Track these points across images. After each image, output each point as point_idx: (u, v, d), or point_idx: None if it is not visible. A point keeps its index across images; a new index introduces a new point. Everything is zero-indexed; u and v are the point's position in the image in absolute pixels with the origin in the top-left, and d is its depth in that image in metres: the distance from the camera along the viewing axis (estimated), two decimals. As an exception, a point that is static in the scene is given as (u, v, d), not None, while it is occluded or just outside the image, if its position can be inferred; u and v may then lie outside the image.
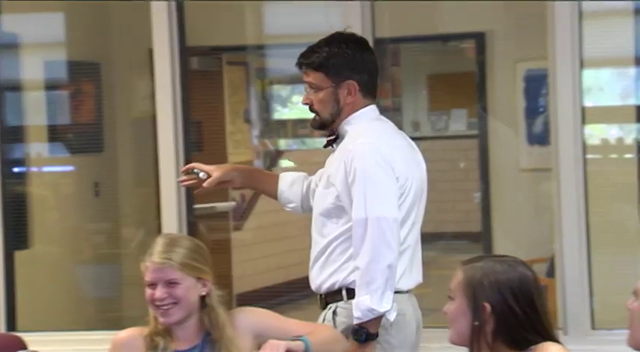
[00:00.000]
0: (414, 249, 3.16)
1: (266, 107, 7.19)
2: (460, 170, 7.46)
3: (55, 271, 5.29)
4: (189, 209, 4.31)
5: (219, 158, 6.16)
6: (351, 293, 3.05)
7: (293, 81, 7.04)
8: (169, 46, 4.19)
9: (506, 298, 2.34)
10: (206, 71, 6.38)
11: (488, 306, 2.35)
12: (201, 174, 3.29)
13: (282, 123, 7.59)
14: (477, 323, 2.36)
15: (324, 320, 3.13)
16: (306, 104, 3.21)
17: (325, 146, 3.26)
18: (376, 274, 2.97)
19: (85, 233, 5.56)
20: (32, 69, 5.16)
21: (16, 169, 4.90)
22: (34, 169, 5.24)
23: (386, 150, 3.06)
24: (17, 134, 4.95)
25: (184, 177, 3.35)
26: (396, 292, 3.04)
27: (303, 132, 7.41)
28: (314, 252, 3.18)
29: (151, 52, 4.33)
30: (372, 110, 3.20)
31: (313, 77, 3.17)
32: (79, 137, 5.30)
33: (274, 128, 7.37)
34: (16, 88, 4.96)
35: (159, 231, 4.30)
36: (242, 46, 6.39)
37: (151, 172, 4.58)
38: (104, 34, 5.41)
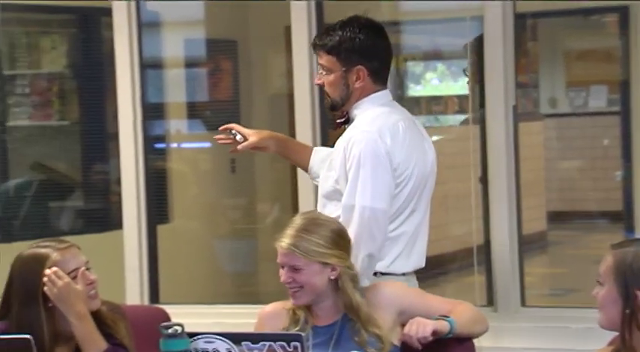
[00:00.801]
0: (413, 235, 3.20)
1: (400, 84, 7.15)
2: (599, 147, 7.28)
3: (194, 245, 5.39)
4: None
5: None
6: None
7: (427, 58, 6.99)
8: (307, 23, 4.21)
9: None
10: (341, 48, 6.38)
11: None
12: (238, 137, 3.35)
13: (416, 100, 7.55)
14: (628, 310, 2.30)
15: None
16: (319, 85, 3.29)
17: (335, 128, 3.32)
18: (355, 261, 2.97)
19: (221, 208, 5.66)
20: (173, 47, 5.25)
21: (157, 145, 5.01)
22: (173, 145, 5.34)
23: (386, 139, 3.11)
24: (158, 111, 5.06)
25: (221, 136, 3.39)
26: (389, 274, 3.13)
27: (437, 109, 7.36)
28: None
29: (287, 29, 4.35)
30: (382, 96, 3.26)
31: (325, 60, 3.24)
32: (216, 114, 5.38)
33: (408, 105, 7.34)
34: (157, 65, 5.06)
35: (294, 206, 4.33)
36: (377, 23, 6.36)
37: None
38: (242, 12, 5.47)
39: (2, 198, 5.05)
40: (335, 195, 3.19)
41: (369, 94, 3.24)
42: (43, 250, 2.87)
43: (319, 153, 3.45)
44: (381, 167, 3.10)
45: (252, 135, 3.37)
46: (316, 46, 3.27)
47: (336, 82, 3.24)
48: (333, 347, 2.84)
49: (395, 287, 2.90)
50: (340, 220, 3.05)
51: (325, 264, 2.80)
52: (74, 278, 2.83)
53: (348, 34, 3.22)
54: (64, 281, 2.80)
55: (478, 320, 2.87)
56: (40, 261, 2.84)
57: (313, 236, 2.80)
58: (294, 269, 2.81)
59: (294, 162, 3.53)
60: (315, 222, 2.86)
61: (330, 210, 3.18)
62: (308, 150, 3.48)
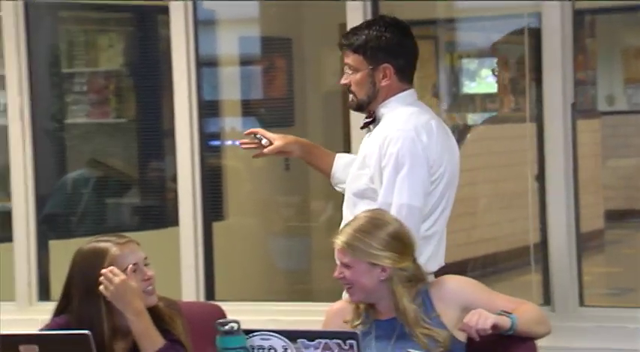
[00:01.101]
0: (442, 234, 3.24)
1: (455, 81, 7.11)
2: (657, 146, 7.17)
3: (249, 243, 5.41)
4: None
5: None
6: None
7: (482, 54, 6.94)
8: (362, 21, 4.20)
9: None
10: (395, 45, 6.37)
11: None
12: (264, 141, 3.38)
13: (471, 97, 7.49)
14: None
15: None
16: (345, 84, 3.29)
17: (362, 127, 3.34)
18: None
19: (275, 206, 5.67)
20: (228, 45, 5.28)
21: (212, 143, 5.04)
22: (228, 143, 5.36)
23: (422, 137, 3.16)
24: (213, 108, 5.08)
25: (246, 141, 3.42)
26: None
27: (492, 106, 7.30)
28: None
29: (341, 27, 4.34)
30: (409, 95, 3.29)
31: (352, 59, 3.27)
32: (271, 111, 5.39)
33: (463, 102, 7.29)
34: (212, 63, 5.09)
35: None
36: (432, 20, 6.33)
37: (341, 147, 4.61)
38: (296, 10, 5.48)
39: (60, 194, 5.10)
40: (368, 193, 3.22)
41: (396, 93, 3.28)
42: (102, 244, 2.89)
43: (342, 159, 3.48)
44: (418, 165, 3.14)
45: (278, 140, 3.42)
46: (343, 46, 3.30)
47: (363, 80, 3.27)
48: (395, 340, 2.86)
49: (460, 282, 2.91)
50: None
51: (374, 265, 2.82)
52: (133, 272, 2.86)
53: (375, 32, 3.27)
54: (119, 279, 2.82)
55: (541, 322, 2.87)
56: (100, 256, 2.87)
57: (367, 236, 2.83)
58: (346, 265, 2.84)
59: (317, 167, 3.54)
60: (373, 223, 2.87)
61: (362, 208, 3.18)
62: (331, 157, 3.50)
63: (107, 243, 2.89)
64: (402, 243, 2.86)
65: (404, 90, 3.28)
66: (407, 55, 3.29)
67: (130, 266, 2.86)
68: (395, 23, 3.31)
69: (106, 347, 2.81)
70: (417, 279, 2.87)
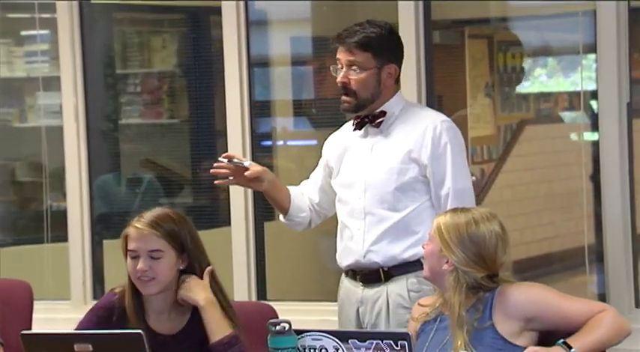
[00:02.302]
0: None
1: (508, 80, 7.06)
2: None
3: (300, 242, 5.42)
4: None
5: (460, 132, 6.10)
6: None
7: (535, 54, 6.88)
8: (415, 21, 4.18)
9: None
10: (448, 45, 6.34)
11: None
12: (247, 163, 3.37)
13: (524, 96, 7.43)
14: None
15: (387, 301, 3.30)
16: (343, 83, 3.29)
17: (357, 128, 3.36)
18: None
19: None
20: (279, 45, 5.28)
21: (264, 143, 5.05)
22: (280, 143, 5.37)
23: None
24: (265, 108, 5.09)
25: (221, 165, 3.36)
26: None
27: (546, 105, 7.24)
28: (380, 227, 3.30)
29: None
30: (402, 95, 3.41)
31: (360, 56, 3.28)
32: (322, 111, 5.39)
33: (516, 102, 7.24)
34: (264, 63, 5.10)
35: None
36: (485, 19, 6.29)
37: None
38: (348, 10, 5.46)
39: (114, 194, 5.15)
40: (417, 185, 3.29)
41: (394, 93, 3.37)
42: (133, 220, 2.99)
43: (296, 189, 3.56)
44: (464, 152, 3.36)
45: (254, 166, 3.43)
46: (349, 43, 3.29)
47: (369, 79, 3.30)
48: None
49: (526, 294, 2.85)
50: (450, 205, 3.22)
51: (442, 253, 2.85)
52: (132, 259, 2.91)
53: (383, 31, 3.33)
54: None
55: (616, 333, 2.79)
56: (126, 231, 2.99)
57: (454, 228, 2.86)
58: (430, 239, 2.92)
59: (276, 200, 3.52)
60: (468, 220, 2.87)
61: (407, 202, 3.29)
62: (287, 190, 3.55)
63: (133, 220, 2.96)
64: (477, 249, 2.84)
65: (397, 90, 3.39)
66: (402, 58, 3.40)
67: (130, 250, 2.91)
68: (391, 26, 3.39)
69: (142, 315, 2.91)
70: (482, 288, 2.85)
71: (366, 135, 3.40)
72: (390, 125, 3.37)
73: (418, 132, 3.32)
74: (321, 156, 3.60)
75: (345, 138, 3.46)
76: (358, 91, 3.31)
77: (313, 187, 3.55)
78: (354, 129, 3.40)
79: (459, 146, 3.32)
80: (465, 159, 3.34)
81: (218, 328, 2.87)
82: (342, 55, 3.32)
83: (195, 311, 2.94)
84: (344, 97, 3.33)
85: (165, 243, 2.91)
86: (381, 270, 3.34)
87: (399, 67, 3.37)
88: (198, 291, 2.90)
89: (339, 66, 3.34)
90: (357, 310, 3.39)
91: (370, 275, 3.35)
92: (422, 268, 3.27)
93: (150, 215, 2.95)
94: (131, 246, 2.91)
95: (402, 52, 3.39)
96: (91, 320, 2.96)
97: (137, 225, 2.92)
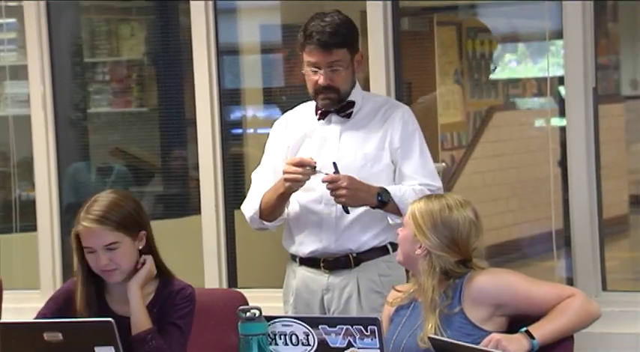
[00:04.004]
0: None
1: (477, 67, 7.08)
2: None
3: (270, 231, 5.42)
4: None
5: (429, 119, 6.12)
6: (396, 247, 3.20)
7: (504, 40, 6.90)
8: (383, 8, 4.19)
9: None
10: (416, 32, 6.35)
11: None
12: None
13: (493, 83, 7.46)
14: None
15: (357, 287, 3.33)
16: (328, 84, 3.29)
17: (321, 118, 3.37)
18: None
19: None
20: (249, 33, 5.27)
21: (233, 131, 5.04)
22: (250, 131, 5.37)
23: None
24: (235, 96, 5.08)
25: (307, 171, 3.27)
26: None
27: (515, 92, 7.27)
28: (354, 213, 3.30)
29: (363, 15, 4.33)
30: None
31: (339, 55, 3.30)
32: (292, 99, 5.38)
33: (485, 88, 7.26)
34: (233, 51, 5.09)
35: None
36: (453, 6, 6.31)
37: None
38: (317, -4, 5.47)
39: (83, 183, 5.13)
40: (388, 171, 3.35)
41: (356, 82, 3.41)
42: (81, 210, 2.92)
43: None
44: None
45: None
46: (330, 45, 3.28)
47: (349, 73, 3.35)
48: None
49: (493, 281, 2.87)
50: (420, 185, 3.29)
51: (416, 238, 2.88)
52: (90, 253, 2.88)
53: (347, 22, 3.35)
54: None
55: (582, 319, 2.80)
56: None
57: (429, 214, 2.88)
58: (405, 224, 2.96)
59: (284, 204, 3.43)
60: (442, 206, 2.89)
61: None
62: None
63: (78, 222, 2.88)
64: (450, 234, 2.87)
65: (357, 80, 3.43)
66: None
67: (86, 247, 2.87)
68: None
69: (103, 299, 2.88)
70: (453, 273, 2.88)
71: (329, 122, 3.40)
72: (356, 113, 3.39)
73: (386, 119, 3.37)
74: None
75: (303, 123, 3.44)
76: (341, 88, 3.33)
77: (274, 175, 3.47)
78: (319, 119, 3.41)
79: (421, 132, 3.42)
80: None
81: (136, 321, 2.84)
82: (318, 57, 3.28)
83: (159, 291, 2.92)
84: (325, 95, 3.31)
85: (118, 234, 2.85)
86: (350, 256, 3.35)
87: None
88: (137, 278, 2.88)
89: (314, 69, 3.30)
90: (322, 298, 3.40)
91: (338, 261, 3.36)
92: (389, 253, 3.30)
93: (96, 209, 2.86)
94: (85, 243, 2.86)
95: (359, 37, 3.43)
96: (49, 308, 2.94)
97: (85, 223, 2.85)
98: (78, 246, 2.89)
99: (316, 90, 3.33)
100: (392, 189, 3.29)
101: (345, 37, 3.32)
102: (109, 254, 2.85)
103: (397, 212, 3.28)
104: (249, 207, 3.46)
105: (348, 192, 3.19)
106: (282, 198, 3.34)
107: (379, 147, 3.35)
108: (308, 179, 3.24)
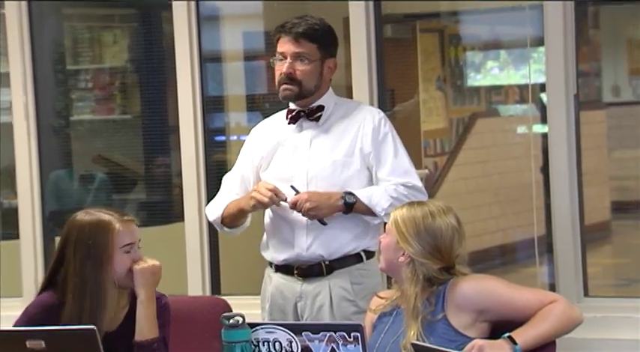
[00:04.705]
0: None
1: (459, 74, 7.11)
2: (662, 137, 7.15)
3: (253, 237, 5.41)
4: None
5: (412, 126, 6.15)
6: (369, 255, 3.31)
7: (486, 47, 6.94)
8: (366, 15, 4.20)
9: None
10: (399, 39, 6.38)
11: None
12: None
13: (476, 89, 7.50)
14: None
15: (329, 295, 3.32)
16: (288, 73, 3.31)
17: (292, 122, 3.38)
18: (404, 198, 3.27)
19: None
20: (232, 40, 5.28)
21: (217, 138, 5.04)
22: (233, 138, 5.37)
23: None
24: (218, 103, 5.09)
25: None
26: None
27: (497, 99, 7.31)
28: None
29: (345, 22, 4.35)
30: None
31: (308, 47, 3.32)
32: (275, 106, 5.39)
33: (468, 95, 7.30)
34: (216, 58, 5.10)
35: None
36: (436, 13, 6.34)
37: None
38: (300, 4, 5.48)
39: (66, 191, 5.12)
40: (358, 178, 3.34)
41: (328, 87, 3.41)
42: (105, 217, 2.91)
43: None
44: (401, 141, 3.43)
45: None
46: (297, 34, 3.32)
47: (314, 70, 3.35)
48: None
49: (476, 287, 2.87)
50: (396, 186, 3.28)
51: (399, 245, 2.88)
52: (126, 253, 2.87)
53: (325, 26, 3.38)
54: (154, 263, 2.88)
55: (564, 324, 2.81)
56: (105, 228, 2.89)
57: (411, 219, 2.88)
58: (387, 232, 2.94)
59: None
60: (425, 213, 2.89)
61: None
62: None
63: (109, 217, 2.91)
64: (433, 241, 2.87)
65: (329, 86, 3.43)
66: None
67: (125, 245, 2.88)
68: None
69: (99, 317, 2.84)
70: (437, 280, 2.88)
71: (300, 129, 3.41)
72: (327, 119, 3.40)
73: (357, 124, 3.37)
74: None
75: (276, 131, 3.45)
76: (304, 82, 3.34)
77: (242, 184, 3.51)
78: (289, 123, 3.41)
79: (396, 135, 3.40)
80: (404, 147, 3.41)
81: (148, 327, 2.85)
82: (287, 47, 3.33)
83: (132, 304, 2.92)
84: (286, 86, 3.33)
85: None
86: (322, 264, 3.35)
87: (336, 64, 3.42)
88: (144, 284, 2.88)
89: (281, 58, 3.35)
90: (295, 305, 3.40)
91: (311, 269, 3.36)
92: (362, 261, 3.30)
93: (115, 210, 2.97)
94: (126, 240, 2.89)
95: (337, 47, 3.44)
96: (29, 316, 2.92)
97: (127, 218, 2.93)
98: (99, 257, 2.88)
99: (279, 82, 3.36)
100: (358, 190, 3.31)
101: (318, 34, 3.34)
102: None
103: (369, 212, 3.29)
104: (213, 211, 3.52)
105: (311, 205, 3.24)
106: (243, 213, 3.43)
107: (348, 153, 3.36)
108: (271, 205, 3.31)
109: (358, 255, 3.35)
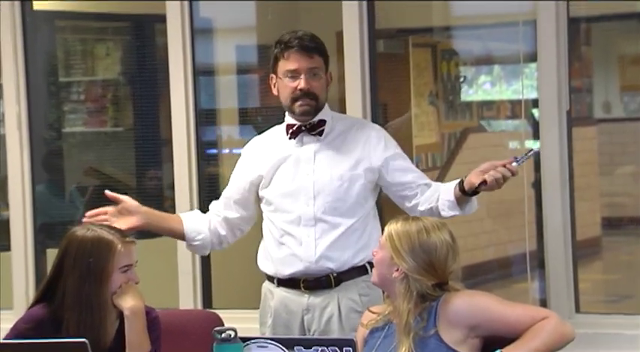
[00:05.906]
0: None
1: (452, 89, 7.12)
2: (654, 153, 7.17)
3: (245, 251, 5.41)
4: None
5: (404, 141, 6.14)
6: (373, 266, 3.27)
7: (479, 62, 6.95)
8: (359, 29, 4.22)
9: None
10: (392, 54, 6.39)
11: None
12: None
13: (467, 104, 7.51)
14: None
15: (338, 307, 3.32)
16: (307, 89, 3.30)
17: (292, 137, 3.37)
18: None
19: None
20: (224, 53, 5.29)
21: (209, 151, 5.04)
22: (225, 151, 5.37)
23: None
24: (210, 116, 5.09)
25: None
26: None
27: (489, 114, 7.32)
28: (334, 234, 3.33)
29: (338, 36, 4.36)
30: None
31: (318, 62, 3.33)
32: (267, 120, 5.39)
33: (460, 110, 7.30)
34: (209, 71, 5.10)
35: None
36: (428, 28, 6.35)
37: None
38: (293, 18, 5.49)
39: (57, 203, 5.11)
40: (364, 191, 3.37)
41: (326, 101, 3.42)
42: (107, 236, 2.92)
43: (189, 214, 3.57)
44: None
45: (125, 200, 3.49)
46: (311, 49, 3.32)
47: (324, 84, 3.38)
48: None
49: (468, 303, 2.86)
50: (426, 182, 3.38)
51: (393, 260, 2.87)
52: (123, 273, 2.87)
53: (322, 41, 3.39)
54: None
55: (555, 340, 2.80)
56: (107, 247, 2.90)
57: (405, 234, 2.87)
58: (381, 247, 2.93)
59: (166, 229, 3.51)
60: (418, 227, 2.90)
61: (356, 210, 3.35)
62: (177, 217, 3.55)
63: (111, 236, 2.92)
64: (428, 257, 2.87)
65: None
66: None
67: (124, 266, 2.88)
68: None
69: (99, 333, 2.83)
70: (430, 296, 2.88)
71: (301, 144, 3.40)
72: (328, 133, 3.39)
73: (362, 139, 3.38)
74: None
75: (276, 148, 3.43)
76: (320, 96, 3.35)
77: (227, 203, 3.51)
78: (290, 138, 3.41)
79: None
80: None
81: (137, 341, 2.85)
82: (301, 63, 3.30)
83: (122, 320, 2.91)
84: (305, 101, 3.31)
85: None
86: (331, 276, 3.35)
87: None
88: (127, 299, 2.88)
89: (293, 74, 3.31)
90: (302, 318, 3.39)
91: (318, 281, 3.36)
92: (368, 273, 3.30)
93: (116, 230, 2.99)
94: (126, 261, 2.91)
95: None
96: (19, 331, 2.91)
97: (128, 239, 2.96)
98: (98, 275, 2.88)
99: (294, 98, 3.32)
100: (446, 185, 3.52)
101: (323, 48, 3.37)
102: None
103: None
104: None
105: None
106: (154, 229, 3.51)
107: (354, 168, 3.36)
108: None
109: (364, 266, 3.36)
